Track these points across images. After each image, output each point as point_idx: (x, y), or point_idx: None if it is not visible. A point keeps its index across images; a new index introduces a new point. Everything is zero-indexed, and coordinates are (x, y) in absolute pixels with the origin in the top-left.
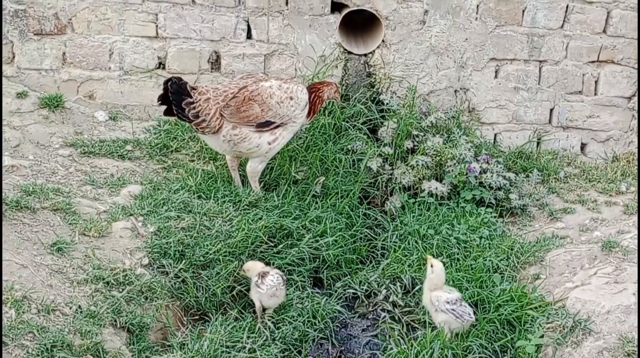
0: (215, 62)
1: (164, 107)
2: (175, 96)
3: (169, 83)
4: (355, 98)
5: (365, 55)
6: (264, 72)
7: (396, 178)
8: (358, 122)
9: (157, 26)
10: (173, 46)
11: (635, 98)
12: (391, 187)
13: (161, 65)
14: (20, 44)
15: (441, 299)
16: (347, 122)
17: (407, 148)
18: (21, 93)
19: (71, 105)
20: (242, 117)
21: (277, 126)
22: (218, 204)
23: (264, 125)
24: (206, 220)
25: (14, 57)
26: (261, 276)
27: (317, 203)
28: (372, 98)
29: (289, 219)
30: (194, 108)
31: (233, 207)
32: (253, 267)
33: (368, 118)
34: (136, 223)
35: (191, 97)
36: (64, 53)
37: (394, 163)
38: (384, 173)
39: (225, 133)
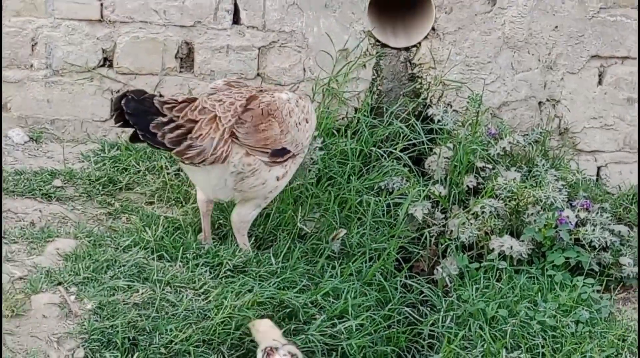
0: (186, 58)
1: (124, 128)
2: (136, 118)
3: (123, 101)
4: (392, 113)
5: (406, 49)
6: (258, 75)
7: (451, 231)
8: (396, 149)
9: (101, 5)
10: (125, 34)
11: None
12: (444, 245)
13: (107, 61)
14: None
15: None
16: (380, 148)
17: (467, 186)
18: None
19: None
20: (260, 140)
21: (290, 157)
22: (188, 268)
23: (279, 154)
24: (170, 293)
25: None
26: (267, 353)
27: (334, 268)
28: (416, 113)
29: (293, 292)
30: (174, 128)
31: (210, 273)
32: (264, 332)
33: (410, 142)
34: (67, 296)
35: (162, 114)
36: None
37: (448, 209)
38: (434, 224)
39: (237, 163)
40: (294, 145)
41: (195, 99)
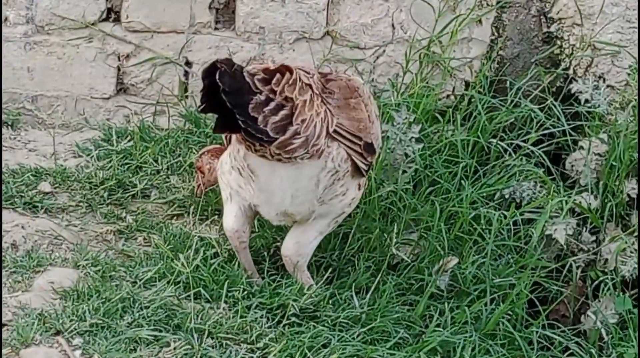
0: (225, 9)
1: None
2: (235, 98)
3: (219, 74)
4: (519, 89)
5: None
6: (327, 34)
7: (606, 260)
8: (525, 141)
9: None
10: None
11: None
12: (595, 280)
13: (112, 14)
14: None
15: None
16: (502, 139)
17: (629, 196)
18: None
19: None
20: (353, 120)
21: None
22: (236, 313)
23: (370, 149)
24: (213, 347)
25: None
26: None
27: (441, 312)
28: (554, 90)
29: (386, 347)
30: (275, 109)
31: (267, 319)
32: None
33: (546, 132)
34: (70, 351)
35: (256, 91)
36: None
37: (601, 227)
38: (581, 251)
39: (335, 155)
40: (376, 141)
41: (286, 69)
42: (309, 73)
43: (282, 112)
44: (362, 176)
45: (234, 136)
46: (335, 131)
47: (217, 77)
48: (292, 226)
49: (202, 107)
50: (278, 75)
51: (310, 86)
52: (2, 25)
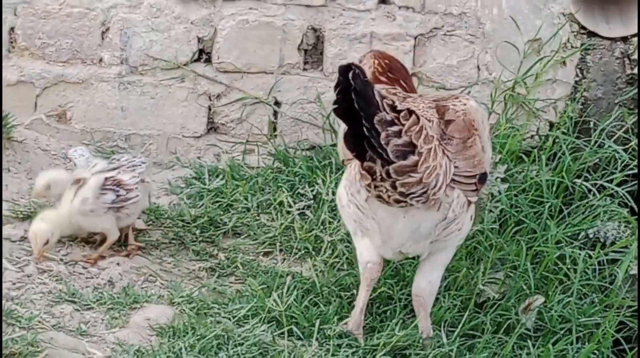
0: (313, 51)
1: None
2: (363, 100)
3: (352, 75)
4: (603, 130)
5: (623, 40)
6: (414, 74)
7: None
8: (609, 182)
9: None
10: (229, 17)
11: None
12: None
13: (203, 55)
14: None
15: None
16: (587, 179)
17: None
18: None
19: (24, 134)
20: (469, 159)
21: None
22: (328, 351)
23: (483, 180)
24: None
25: None
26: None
27: (528, 351)
28: (637, 130)
29: None
30: (399, 133)
31: None
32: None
33: (630, 172)
34: None
35: (385, 111)
36: (12, 29)
37: None
38: None
39: (455, 205)
40: (489, 167)
41: (412, 113)
42: (430, 120)
43: (405, 139)
44: (473, 207)
45: (353, 173)
46: (453, 180)
47: (350, 76)
48: (419, 266)
49: (335, 107)
50: (405, 112)
51: (433, 136)
52: (2, 46)
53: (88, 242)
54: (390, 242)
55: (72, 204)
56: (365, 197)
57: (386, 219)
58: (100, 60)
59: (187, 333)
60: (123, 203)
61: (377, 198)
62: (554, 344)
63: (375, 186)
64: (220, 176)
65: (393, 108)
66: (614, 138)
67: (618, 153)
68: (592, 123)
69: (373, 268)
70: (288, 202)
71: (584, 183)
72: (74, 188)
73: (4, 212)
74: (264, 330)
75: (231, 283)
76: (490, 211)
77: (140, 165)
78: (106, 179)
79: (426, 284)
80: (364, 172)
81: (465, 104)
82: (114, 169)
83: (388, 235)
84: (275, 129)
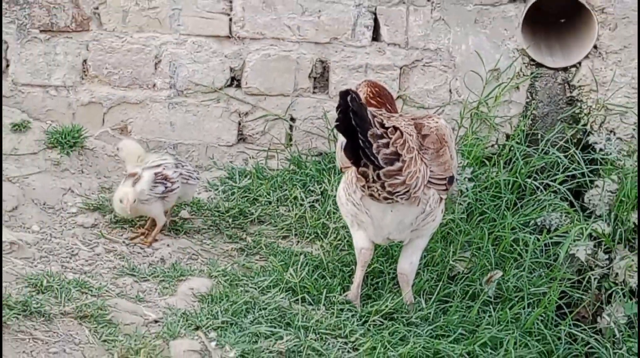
0: (321, 78)
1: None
2: (359, 119)
3: (350, 98)
4: (548, 140)
5: (564, 70)
6: (399, 97)
7: (616, 274)
8: (553, 181)
9: (230, 20)
10: (255, 52)
11: None
12: (608, 289)
13: (234, 81)
14: (19, 46)
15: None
16: (535, 179)
17: (635, 224)
18: (18, 124)
19: (94, 144)
20: (441, 165)
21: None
22: (332, 314)
23: (451, 181)
24: (316, 340)
25: (7, 65)
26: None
27: (490, 314)
28: (575, 141)
29: (448, 341)
30: (387, 145)
31: (357, 320)
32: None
33: (570, 174)
34: (207, 342)
35: (375, 127)
36: (84, 61)
37: (612, 248)
38: (597, 266)
39: (432, 201)
40: (456, 171)
41: (397, 129)
42: (410, 135)
43: (392, 149)
44: (442, 201)
45: (350, 177)
46: (429, 181)
47: (348, 99)
48: (402, 249)
49: (337, 124)
50: (391, 129)
51: (414, 148)
52: (2, 67)
53: (141, 226)
54: (380, 231)
55: (133, 193)
56: (360, 196)
57: (377, 213)
58: (154, 85)
59: (222, 299)
60: (168, 193)
61: (370, 196)
62: (510, 308)
63: (369, 187)
64: (248, 177)
65: (382, 125)
66: (557, 146)
67: (560, 158)
68: (539, 135)
69: (366, 253)
70: (301, 197)
71: (534, 182)
72: (130, 180)
73: (78, 205)
74: (282, 298)
75: (256, 260)
76: (460, 204)
77: (195, 178)
78: (155, 174)
79: (408, 265)
80: (359, 176)
81: (437, 122)
82: (159, 165)
83: (379, 226)
84: (291, 139)
